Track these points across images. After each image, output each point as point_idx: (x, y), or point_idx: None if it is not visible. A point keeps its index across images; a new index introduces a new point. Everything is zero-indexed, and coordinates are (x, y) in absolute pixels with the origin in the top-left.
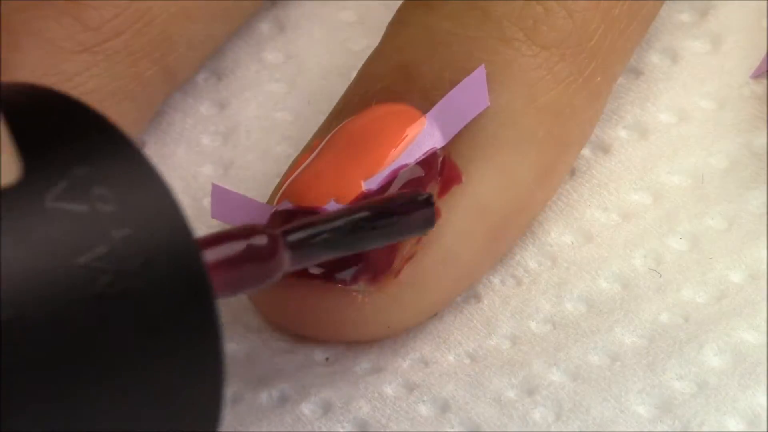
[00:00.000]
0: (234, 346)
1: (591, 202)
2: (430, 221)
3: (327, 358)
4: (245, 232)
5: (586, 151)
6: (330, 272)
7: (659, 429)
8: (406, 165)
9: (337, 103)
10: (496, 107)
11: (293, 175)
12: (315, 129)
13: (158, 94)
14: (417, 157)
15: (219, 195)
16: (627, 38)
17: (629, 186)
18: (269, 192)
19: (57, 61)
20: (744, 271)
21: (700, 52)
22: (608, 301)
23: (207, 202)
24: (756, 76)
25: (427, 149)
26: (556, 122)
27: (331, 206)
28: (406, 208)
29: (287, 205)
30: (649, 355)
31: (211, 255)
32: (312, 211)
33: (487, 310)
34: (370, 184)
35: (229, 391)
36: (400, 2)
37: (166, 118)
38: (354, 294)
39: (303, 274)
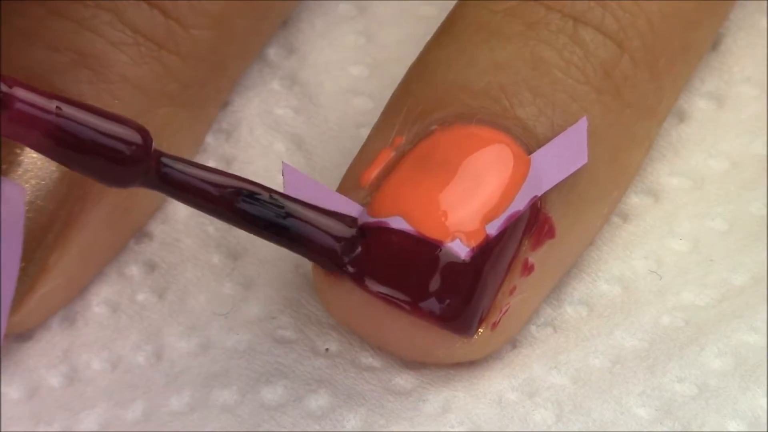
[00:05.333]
0: (235, 337)
1: None
2: (336, 260)
3: (327, 349)
4: (127, 120)
5: None
6: (440, 317)
7: (660, 431)
8: (519, 211)
9: (413, 97)
10: (587, 164)
11: (380, 175)
12: (317, 126)
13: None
14: (525, 202)
15: (292, 177)
16: (680, 92)
17: (629, 188)
18: None
19: (151, 116)
20: (745, 273)
21: None
22: (609, 304)
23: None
24: None
25: (532, 196)
26: (625, 181)
27: (457, 246)
28: (314, 225)
29: (404, 225)
30: (649, 358)
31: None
32: (432, 244)
33: None
34: (492, 229)
35: (230, 391)
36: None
37: None
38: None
39: (399, 305)
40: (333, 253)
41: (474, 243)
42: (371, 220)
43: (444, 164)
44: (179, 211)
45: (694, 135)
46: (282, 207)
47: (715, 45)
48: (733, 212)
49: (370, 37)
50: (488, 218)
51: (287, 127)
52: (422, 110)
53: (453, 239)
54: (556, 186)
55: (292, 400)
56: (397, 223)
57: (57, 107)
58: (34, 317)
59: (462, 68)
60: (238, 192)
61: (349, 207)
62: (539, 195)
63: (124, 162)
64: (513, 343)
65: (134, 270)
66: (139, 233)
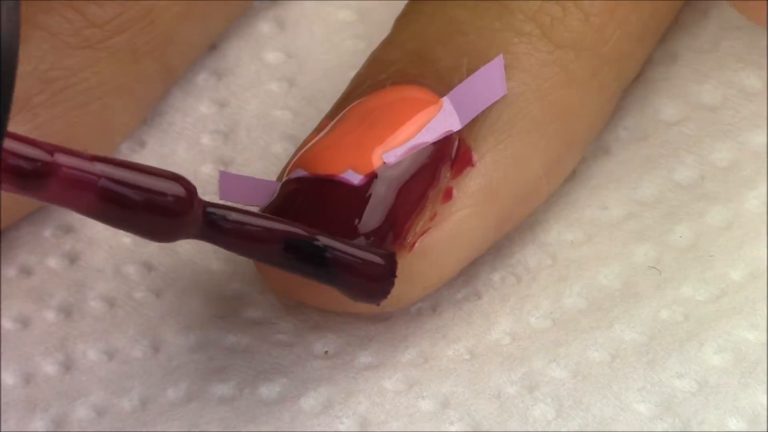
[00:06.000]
0: (233, 338)
1: (591, 202)
2: (381, 293)
3: (326, 352)
4: (167, 173)
5: (586, 151)
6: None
7: (659, 427)
8: (424, 143)
9: (346, 89)
10: (511, 96)
11: (305, 148)
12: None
13: (157, 90)
14: (434, 136)
15: (226, 179)
16: (642, 45)
17: (629, 185)
18: None
19: (62, 56)
20: (744, 269)
21: (700, 51)
22: (608, 297)
23: (208, 199)
24: None
25: (444, 131)
26: (566, 119)
27: (349, 175)
28: (355, 268)
29: (301, 172)
30: (649, 353)
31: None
32: (328, 179)
33: (487, 306)
34: (389, 157)
35: (228, 386)
36: (402, 1)
37: (166, 117)
38: None
39: None
40: (373, 289)
41: (366, 170)
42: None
43: (346, 119)
44: None
45: (693, 134)
46: (324, 250)
47: (715, 45)
48: (732, 209)
49: (369, 41)
50: (386, 150)
51: (285, 129)
52: (347, 94)
53: (344, 171)
54: (478, 119)
55: (290, 397)
56: (296, 173)
57: (101, 170)
58: None
59: (381, 48)
60: (284, 237)
61: (272, 185)
62: (455, 129)
63: (171, 215)
64: (512, 336)
65: (131, 269)
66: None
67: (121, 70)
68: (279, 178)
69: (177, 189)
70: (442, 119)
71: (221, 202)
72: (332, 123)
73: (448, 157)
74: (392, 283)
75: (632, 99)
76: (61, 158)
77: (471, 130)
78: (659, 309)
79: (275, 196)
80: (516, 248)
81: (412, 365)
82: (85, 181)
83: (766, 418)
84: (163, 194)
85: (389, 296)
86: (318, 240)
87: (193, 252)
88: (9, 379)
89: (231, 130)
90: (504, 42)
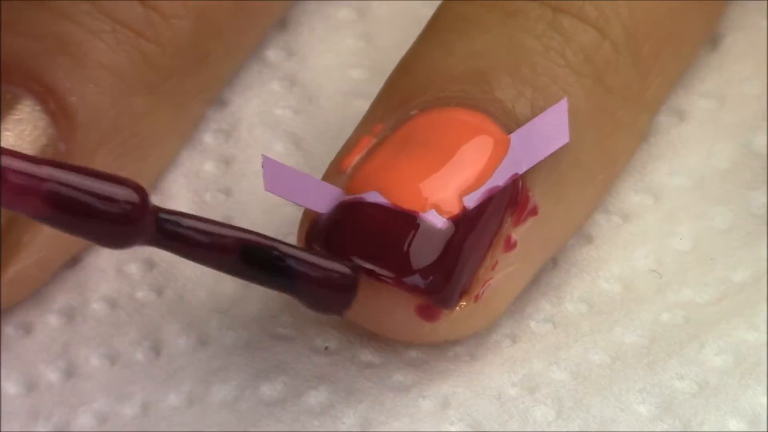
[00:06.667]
0: (234, 334)
1: None
2: (341, 304)
3: (327, 347)
4: (119, 178)
5: None
6: (424, 288)
7: (660, 428)
8: (497, 186)
9: (395, 88)
10: (568, 145)
11: (364, 157)
12: (316, 126)
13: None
14: (505, 179)
15: (271, 168)
16: (672, 86)
17: (630, 187)
18: None
19: (129, 103)
20: (744, 271)
21: (701, 52)
22: (609, 301)
23: (209, 197)
24: None
25: (512, 173)
26: (612, 169)
27: (432, 215)
28: (314, 274)
29: (380, 198)
30: (649, 355)
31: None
32: (408, 214)
33: None
34: (470, 201)
35: (229, 387)
36: (401, 1)
37: None
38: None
39: (379, 277)
40: (335, 295)
41: (450, 213)
42: (348, 197)
43: (421, 144)
44: None
45: (694, 134)
46: (283, 259)
47: (715, 45)
48: (733, 211)
49: (370, 40)
50: (465, 192)
51: (286, 127)
52: (402, 98)
53: (428, 209)
54: (539, 165)
55: (291, 397)
56: (373, 197)
57: (48, 173)
58: (7, 297)
59: (441, 57)
60: (241, 244)
61: (328, 190)
62: (520, 173)
63: (122, 221)
64: (512, 338)
65: (133, 268)
66: None
67: (176, 115)
68: (326, 179)
69: (128, 194)
70: (511, 161)
71: (175, 209)
72: (393, 133)
73: (515, 203)
74: (354, 294)
75: None
76: (7, 161)
77: (530, 176)
78: (660, 312)
79: (340, 210)
80: None
81: (413, 365)
82: (31, 185)
83: (766, 420)
84: (113, 200)
85: (447, 338)
86: (276, 248)
87: None
88: (11, 387)
89: (233, 128)
90: (566, 82)
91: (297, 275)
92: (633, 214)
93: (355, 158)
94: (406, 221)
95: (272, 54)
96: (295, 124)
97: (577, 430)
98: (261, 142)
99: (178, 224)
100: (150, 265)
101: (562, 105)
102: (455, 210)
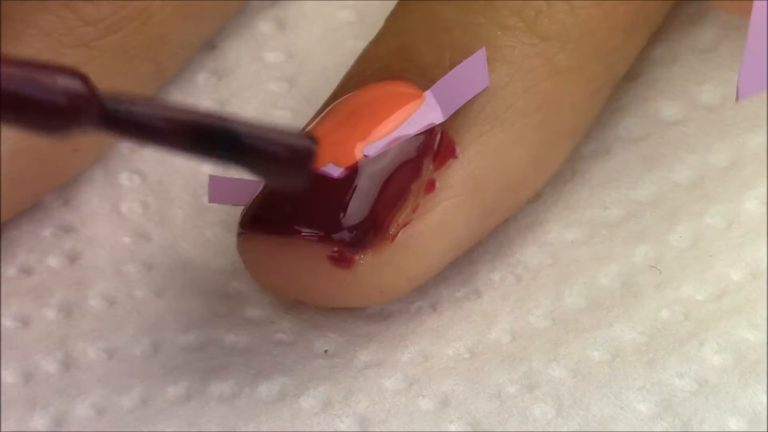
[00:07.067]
0: (232, 337)
1: (591, 202)
2: (301, 176)
3: (326, 351)
4: (61, 68)
5: (586, 151)
6: (324, 234)
7: (659, 426)
8: (405, 135)
9: (336, 87)
10: (495, 88)
11: None
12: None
13: (150, 90)
14: (416, 129)
15: (215, 182)
16: (631, 38)
17: (629, 185)
18: None
19: (55, 55)
20: (744, 269)
21: (700, 51)
22: (608, 297)
23: (207, 199)
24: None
25: (427, 123)
26: (552, 110)
27: (330, 168)
28: (270, 149)
29: None
30: (649, 352)
31: None
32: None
33: (487, 305)
34: (370, 150)
35: (228, 384)
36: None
37: None
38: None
39: (294, 234)
40: (292, 159)
41: (346, 163)
42: None
43: (330, 115)
44: (177, 215)
45: (694, 133)
46: (237, 138)
47: (714, 44)
48: (732, 209)
49: (369, 41)
50: (368, 144)
51: None
52: (335, 92)
53: (325, 165)
54: (461, 111)
55: (290, 396)
56: None
57: None
58: None
59: (369, 45)
60: (193, 126)
61: (260, 184)
62: (437, 122)
63: (66, 112)
64: (512, 334)
65: (131, 268)
66: (136, 234)
67: (114, 70)
68: None
69: (72, 84)
70: (424, 112)
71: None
72: (317, 119)
73: (431, 149)
74: (311, 163)
75: (632, 99)
76: None
77: (454, 123)
78: (659, 309)
79: (259, 191)
80: (516, 248)
81: (412, 364)
82: None
83: (766, 418)
84: (56, 90)
85: (376, 289)
86: (229, 127)
87: (193, 251)
88: (9, 377)
89: None
90: (488, 36)
91: (252, 153)
92: (632, 212)
93: None
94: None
95: (271, 55)
96: (294, 125)
97: (577, 428)
98: None
99: (128, 110)
100: (148, 267)
101: (480, 54)
102: (352, 160)
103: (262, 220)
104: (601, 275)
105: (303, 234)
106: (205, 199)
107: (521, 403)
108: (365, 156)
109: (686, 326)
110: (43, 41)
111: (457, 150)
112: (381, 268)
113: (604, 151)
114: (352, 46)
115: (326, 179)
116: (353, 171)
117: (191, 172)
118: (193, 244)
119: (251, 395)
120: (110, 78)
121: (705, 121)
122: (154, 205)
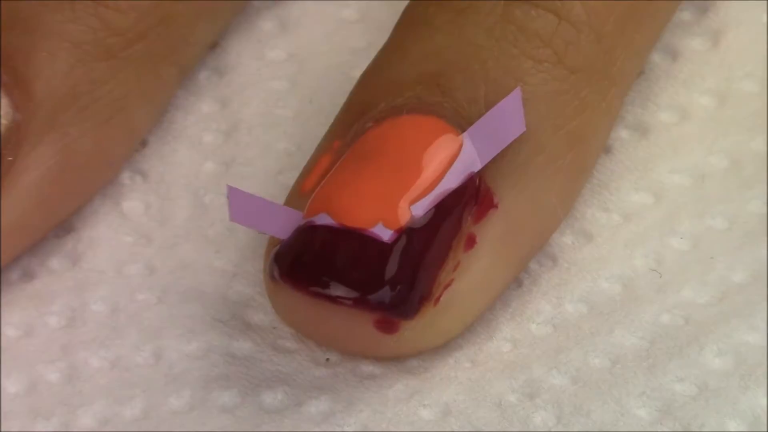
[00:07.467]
0: (235, 344)
1: (592, 203)
2: None
3: (328, 359)
4: None
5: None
6: (363, 296)
7: None
8: (449, 189)
9: (353, 102)
10: (528, 131)
11: (320, 181)
12: (316, 126)
13: (173, 92)
14: (458, 181)
15: (236, 198)
16: (641, 59)
17: (630, 186)
18: (270, 189)
19: (88, 70)
20: (745, 271)
21: (701, 49)
22: (609, 301)
23: (209, 199)
24: None
25: (467, 173)
26: (580, 148)
27: (379, 230)
28: None
29: (327, 219)
30: (649, 358)
31: None
32: (356, 233)
33: (488, 312)
34: (417, 209)
35: (230, 393)
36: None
37: (167, 116)
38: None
39: (336, 301)
40: None
41: (396, 225)
42: (302, 222)
43: (373, 158)
44: (178, 214)
45: (694, 133)
46: None
47: (715, 41)
48: (733, 210)
49: (371, 40)
50: (415, 200)
51: (286, 128)
52: (358, 111)
53: (374, 225)
54: (497, 158)
55: (292, 405)
56: (322, 219)
57: None
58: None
59: (394, 64)
60: None
61: (290, 215)
62: (475, 170)
63: None
64: (513, 342)
65: (133, 270)
66: (137, 235)
67: (142, 78)
68: (289, 202)
69: None
70: (464, 159)
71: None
72: (344, 149)
73: (472, 201)
74: None
75: (633, 98)
76: None
77: (490, 170)
78: (660, 313)
79: (295, 235)
80: None
81: (414, 373)
82: None
83: (766, 421)
84: None
85: (416, 349)
86: None
87: (194, 252)
88: (11, 387)
89: (232, 128)
90: (521, 71)
91: None
92: (633, 213)
93: (314, 179)
94: (354, 240)
95: (272, 54)
96: (295, 125)
97: None
98: (261, 142)
99: None
100: (150, 269)
101: (515, 95)
102: (402, 221)
103: (300, 276)
104: (602, 279)
105: (346, 302)
106: (207, 198)
107: (522, 411)
108: (412, 216)
109: (687, 330)
110: (75, 56)
111: (495, 200)
112: (423, 330)
113: (605, 151)
114: (354, 45)
115: (373, 240)
116: (401, 233)
117: (194, 171)
118: (195, 244)
119: (253, 404)
120: (139, 87)
121: (706, 119)
122: (155, 205)
